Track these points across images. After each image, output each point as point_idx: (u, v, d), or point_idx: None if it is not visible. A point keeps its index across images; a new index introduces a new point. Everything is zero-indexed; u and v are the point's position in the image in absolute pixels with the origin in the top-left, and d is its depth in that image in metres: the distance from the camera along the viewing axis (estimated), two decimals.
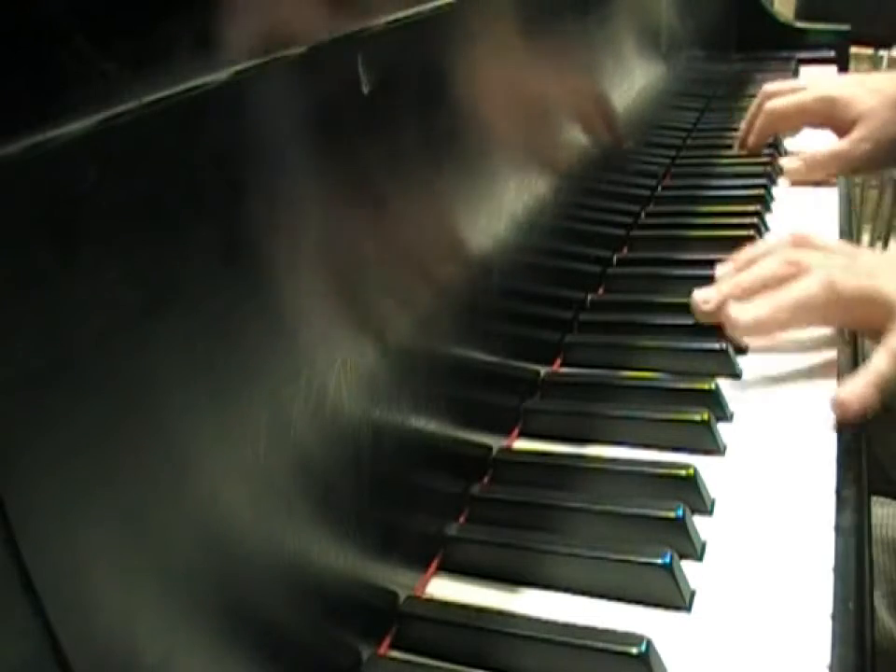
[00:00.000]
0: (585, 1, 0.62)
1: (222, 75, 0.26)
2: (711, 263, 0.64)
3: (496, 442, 0.46)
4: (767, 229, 0.72)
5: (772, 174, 0.82)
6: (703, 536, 0.39)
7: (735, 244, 0.67)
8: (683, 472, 0.42)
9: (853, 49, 1.29)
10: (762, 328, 0.51)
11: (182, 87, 0.24)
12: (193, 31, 0.25)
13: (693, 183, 0.83)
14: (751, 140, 0.88)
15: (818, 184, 0.80)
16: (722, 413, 0.48)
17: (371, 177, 0.35)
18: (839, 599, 0.35)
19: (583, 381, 0.53)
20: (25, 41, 0.20)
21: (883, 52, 2.06)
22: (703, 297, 0.54)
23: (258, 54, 0.27)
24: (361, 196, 0.34)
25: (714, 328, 0.54)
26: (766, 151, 0.87)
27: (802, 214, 0.75)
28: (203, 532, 0.25)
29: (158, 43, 0.23)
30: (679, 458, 0.44)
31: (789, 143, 0.90)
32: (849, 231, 0.72)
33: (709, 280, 0.62)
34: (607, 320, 0.60)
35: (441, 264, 0.40)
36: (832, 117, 0.81)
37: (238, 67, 0.27)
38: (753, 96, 0.89)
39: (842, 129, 0.80)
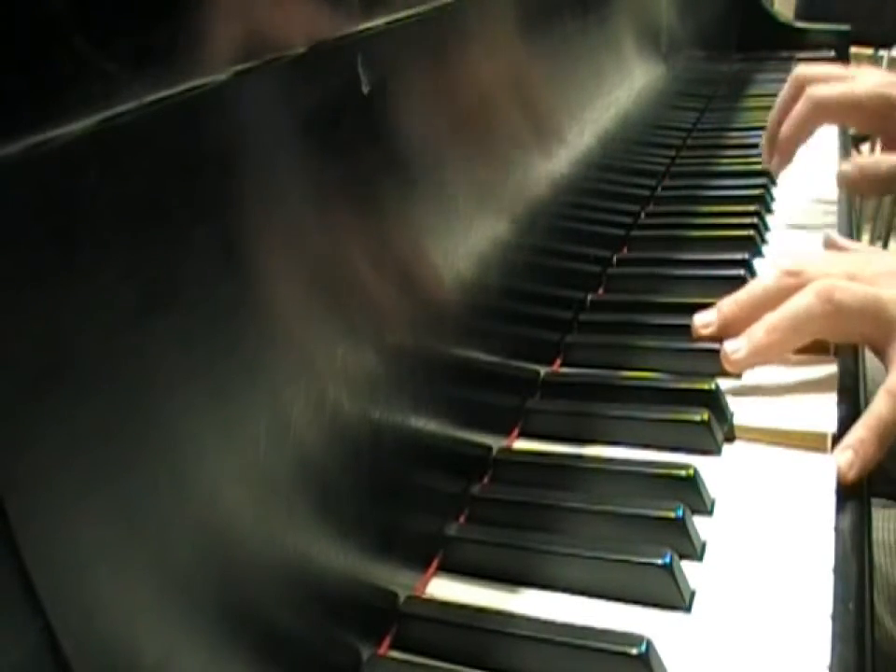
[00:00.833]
0: (585, 1, 0.62)
1: (222, 75, 0.26)
2: (711, 263, 0.64)
3: (496, 442, 0.46)
4: (767, 229, 0.72)
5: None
6: (703, 536, 0.39)
7: (735, 244, 0.67)
8: (683, 472, 0.42)
9: (853, 49, 1.29)
10: (760, 355, 0.48)
11: (182, 87, 0.24)
12: (193, 31, 0.25)
13: (693, 183, 0.83)
14: (787, 133, 0.71)
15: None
16: (722, 414, 0.48)
17: (370, 177, 0.35)
18: (839, 600, 0.35)
19: (583, 381, 0.53)
20: (25, 41, 0.20)
21: (883, 52, 2.06)
22: (703, 321, 0.52)
23: (258, 54, 0.27)
24: (361, 196, 0.34)
25: None
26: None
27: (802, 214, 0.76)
28: (203, 532, 0.25)
29: (158, 43, 0.23)
30: (679, 458, 0.44)
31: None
32: (849, 231, 0.72)
33: (709, 280, 0.62)
34: (607, 320, 0.60)
35: (442, 264, 0.40)
36: (889, 118, 0.68)
37: (238, 67, 0.27)
38: (753, 96, 0.88)
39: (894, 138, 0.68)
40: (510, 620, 0.35)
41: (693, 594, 0.36)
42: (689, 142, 0.95)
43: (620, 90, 0.71)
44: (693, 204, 0.77)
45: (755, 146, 0.85)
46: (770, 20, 1.32)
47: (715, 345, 0.51)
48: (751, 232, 0.69)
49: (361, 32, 0.33)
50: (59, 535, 0.20)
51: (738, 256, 0.64)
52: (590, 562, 0.37)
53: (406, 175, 0.38)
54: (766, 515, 0.40)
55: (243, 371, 0.27)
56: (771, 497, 0.41)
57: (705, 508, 0.41)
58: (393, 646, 0.36)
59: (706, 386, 0.48)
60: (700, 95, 1.08)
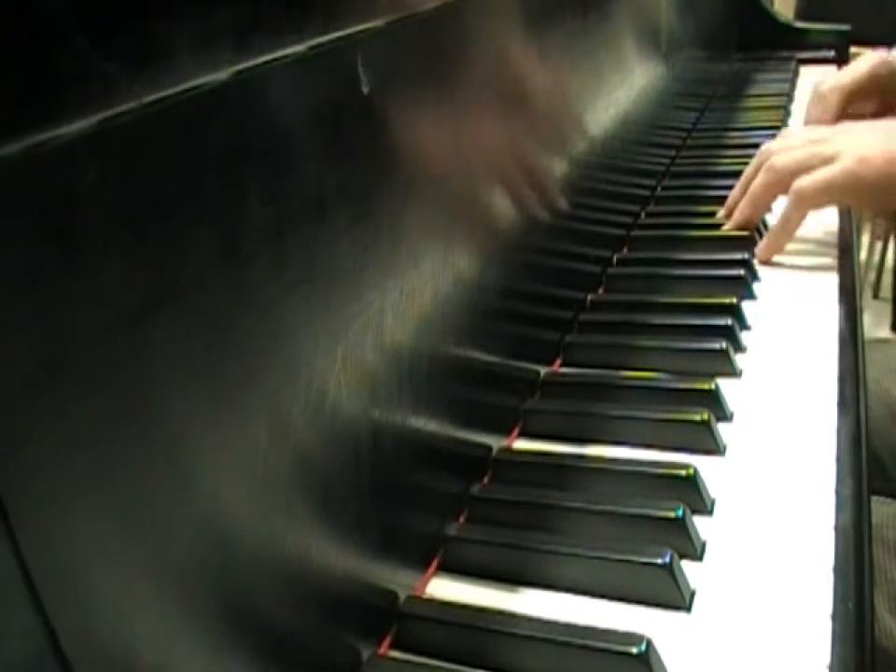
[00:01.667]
0: (585, 1, 0.62)
1: (222, 75, 0.26)
2: (711, 263, 0.64)
3: (496, 442, 0.46)
4: (767, 228, 0.72)
5: None
6: (703, 536, 0.39)
7: (735, 244, 0.67)
8: (683, 472, 0.42)
9: (853, 49, 1.28)
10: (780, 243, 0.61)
11: (182, 87, 0.24)
12: (193, 31, 0.25)
13: (693, 183, 0.83)
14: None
15: None
16: (722, 413, 0.48)
17: (370, 177, 0.35)
18: (839, 599, 0.35)
19: (583, 381, 0.53)
20: (25, 41, 0.20)
21: (883, 52, 2.05)
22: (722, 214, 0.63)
23: (257, 54, 0.27)
24: (361, 196, 0.34)
25: (716, 326, 0.54)
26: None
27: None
28: (203, 531, 0.25)
29: (158, 43, 0.23)
30: (679, 458, 0.44)
31: None
32: (849, 231, 0.72)
33: (709, 280, 0.62)
34: (607, 320, 0.60)
35: (442, 264, 0.40)
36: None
37: (238, 67, 0.27)
38: (753, 96, 0.88)
39: None
40: (510, 620, 0.35)
41: (693, 593, 0.36)
42: (689, 142, 0.95)
43: (620, 90, 0.71)
44: (693, 204, 0.77)
45: (755, 145, 0.84)
46: (770, 19, 1.32)
47: (715, 345, 0.52)
48: (751, 232, 0.69)
49: (361, 32, 0.33)
50: (59, 533, 0.20)
51: (738, 256, 0.64)
52: (590, 562, 0.37)
53: (406, 175, 0.38)
54: (766, 515, 0.40)
55: (243, 371, 0.27)
56: (771, 497, 0.41)
57: (705, 508, 0.41)
58: (393, 646, 0.36)
59: (706, 386, 0.48)
60: (700, 95, 1.08)
